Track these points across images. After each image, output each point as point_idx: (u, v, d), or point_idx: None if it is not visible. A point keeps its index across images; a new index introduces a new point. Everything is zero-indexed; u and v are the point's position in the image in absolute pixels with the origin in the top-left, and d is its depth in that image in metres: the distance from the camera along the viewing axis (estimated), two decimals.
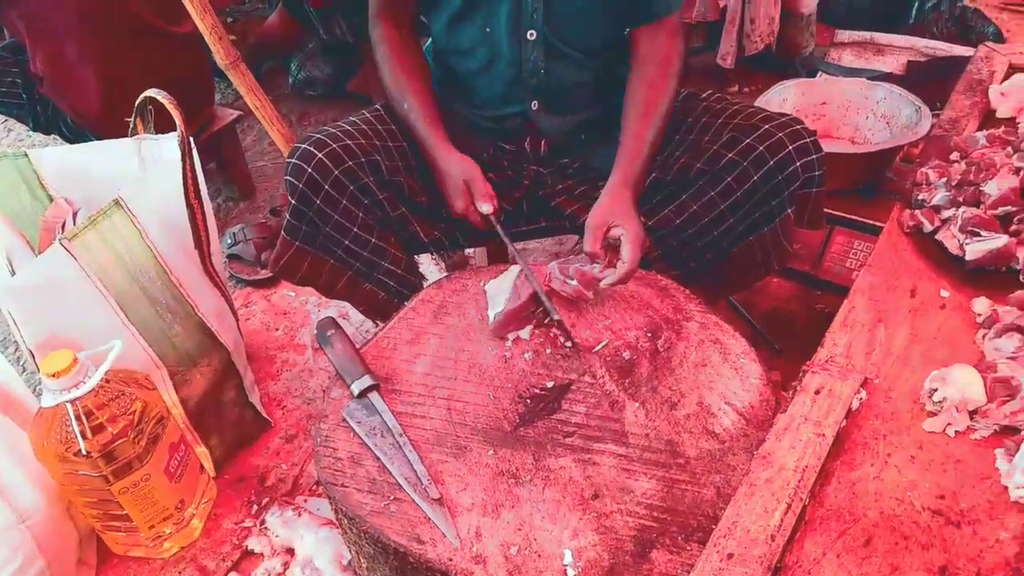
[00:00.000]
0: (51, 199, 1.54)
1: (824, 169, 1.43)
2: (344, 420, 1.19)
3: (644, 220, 1.47)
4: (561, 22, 1.48)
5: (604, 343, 1.28)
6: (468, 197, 1.48)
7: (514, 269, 1.35)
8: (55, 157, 1.55)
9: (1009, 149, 1.41)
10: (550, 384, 1.23)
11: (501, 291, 1.31)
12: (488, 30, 1.49)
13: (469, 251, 2.32)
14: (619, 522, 1.03)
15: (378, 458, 1.13)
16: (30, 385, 1.51)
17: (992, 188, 1.32)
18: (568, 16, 1.48)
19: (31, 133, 2.98)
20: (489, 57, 1.53)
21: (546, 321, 1.33)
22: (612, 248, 1.38)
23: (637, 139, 1.48)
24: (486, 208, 1.47)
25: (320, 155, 1.42)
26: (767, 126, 1.43)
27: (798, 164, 1.40)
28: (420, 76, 1.58)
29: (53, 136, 2.52)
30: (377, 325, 1.41)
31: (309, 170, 1.42)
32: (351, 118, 1.57)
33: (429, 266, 2.33)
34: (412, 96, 1.54)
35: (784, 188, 1.42)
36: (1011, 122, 1.63)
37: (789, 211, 1.45)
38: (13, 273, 1.29)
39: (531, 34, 1.48)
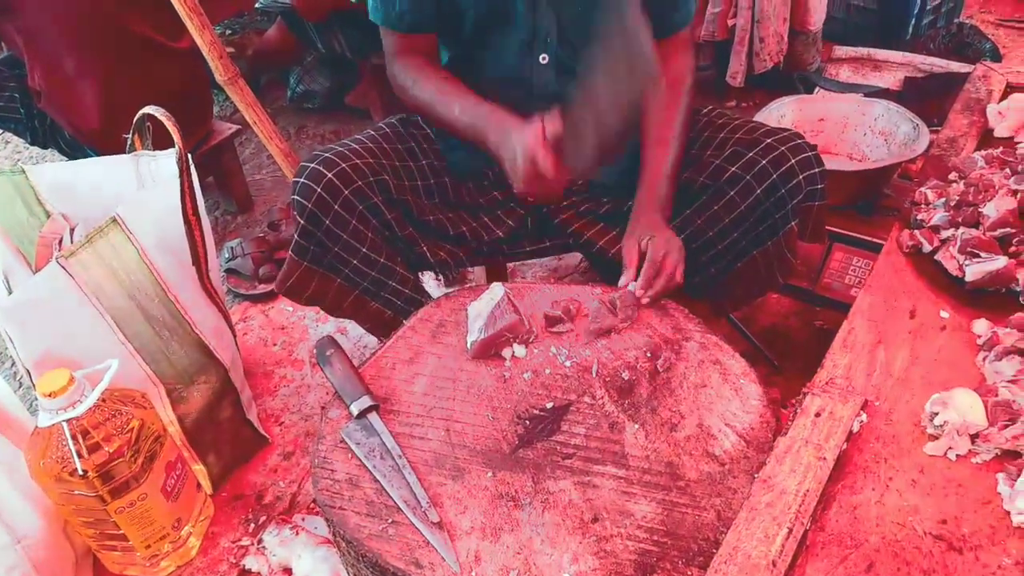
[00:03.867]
0: (48, 215, 1.53)
1: (826, 182, 1.44)
2: (343, 441, 1.18)
3: None
4: (575, 45, 1.48)
5: (603, 364, 1.28)
6: (532, 173, 1.29)
7: (496, 289, 1.32)
8: (52, 173, 1.55)
9: (1007, 170, 1.41)
10: (549, 405, 1.22)
11: (480, 315, 1.30)
12: (499, 57, 1.50)
13: (469, 268, 2.31)
14: (619, 546, 1.03)
15: (377, 480, 1.12)
16: (26, 402, 1.50)
17: (991, 210, 1.32)
18: (583, 39, 1.48)
19: (28, 147, 2.98)
20: (499, 81, 1.52)
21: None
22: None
23: (656, 161, 1.50)
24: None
25: (330, 175, 1.39)
26: (769, 140, 1.43)
27: (801, 177, 1.40)
28: (459, 82, 1.53)
29: (50, 150, 2.51)
30: (381, 341, 1.40)
31: (319, 190, 1.38)
32: (358, 136, 1.54)
33: (429, 282, 2.33)
34: (459, 94, 1.47)
35: (787, 201, 1.42)
36: (1009, 142, 1.63)
37: (793, 224, 1.44)
38: (10, 291, 1.29)
39: (543, 58, 1.48)
